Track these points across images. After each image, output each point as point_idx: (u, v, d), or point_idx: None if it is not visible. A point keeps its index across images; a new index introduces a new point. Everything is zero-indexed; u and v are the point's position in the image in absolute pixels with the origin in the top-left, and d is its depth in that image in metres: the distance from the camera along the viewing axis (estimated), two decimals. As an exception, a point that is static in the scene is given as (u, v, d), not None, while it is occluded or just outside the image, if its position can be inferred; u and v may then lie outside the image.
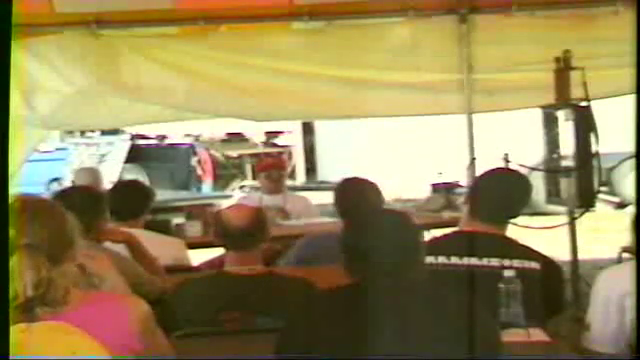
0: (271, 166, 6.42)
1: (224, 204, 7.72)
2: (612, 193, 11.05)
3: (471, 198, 3.28)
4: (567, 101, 4.59)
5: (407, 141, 11.91)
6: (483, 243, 3.05)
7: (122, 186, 5.29)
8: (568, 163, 4.65)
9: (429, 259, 2.92)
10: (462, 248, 3.04)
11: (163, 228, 5.03)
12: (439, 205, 6.03)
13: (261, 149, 14.65)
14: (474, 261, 3.01)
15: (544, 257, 3.09)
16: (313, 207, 6.23)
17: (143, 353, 2.07)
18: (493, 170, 3.51)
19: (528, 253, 3.07)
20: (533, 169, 4.98)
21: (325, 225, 5.25)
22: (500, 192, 3.22)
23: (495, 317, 2.65)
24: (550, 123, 4.84)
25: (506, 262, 2.97)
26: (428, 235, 3.60)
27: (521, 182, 3.31)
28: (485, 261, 3.00)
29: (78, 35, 5.22)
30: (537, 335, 2.71)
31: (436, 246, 3.05)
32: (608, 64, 4.90)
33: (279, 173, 6.25)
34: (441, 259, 3.02)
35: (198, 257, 4.81)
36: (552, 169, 4.85)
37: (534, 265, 3.00)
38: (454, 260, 3.02)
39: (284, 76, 5.41)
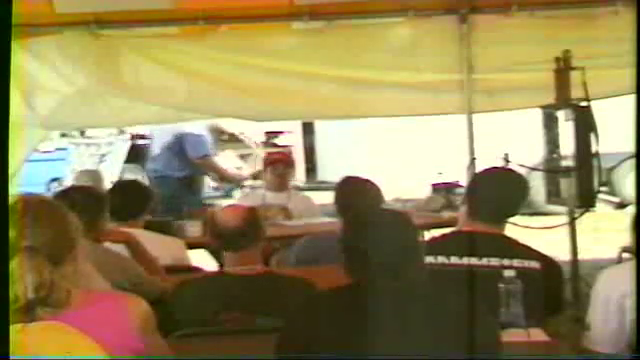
0: (278, 161, 6.34)
1: (224, 204, 7.72)
2: (612, 193, 11.05)
3: (469, 198, 3.28)
4: (567, 101, 4.60)
5: (407, 141, 11.91)
6: (483, 243, 3.05)
7: (122, 186, 5.29)
8: (568, 163, 4.65)
9: (429, 259, 2.92)
10: (462, 248, 3.04)
11: (163, 228, 5.02)
12: (439, 205, 6.02)
13: (261, 149, 14.63)
14: (474, 261, 3.01)
15: (544, 256, 3.09)
16: (316, 207, 6.20)
17: (143, 353, 2.07)
18: (490, 169, 3.51)
19: (528, 252, 3.07)
20: (533, 169, 4.98)
21: (326, 225, 5.25)
22: (499, 191, 3.21)
23: (495, 317, 2.65)
24: (550, 123, 4.84)
25: (506, 262, 2.97)
26: (428, 235, 3.60)
27: (519, 181, 3.31)
28: (485, 261, 3.00)
29: (78, 35, 5.22)
30: (537, 335, 2.71)
31: (436, 246, 3.05)
32: (608, 64, 4.90)
33: (285, 168, 6.19)
34: (441, 259, 3.02)
35: (198, 257, 4.81)
36: (552, 169, 4.85)
37: (534, 264, 3.00)
38: (454, 260, 3.02)
39: (284, 76, 5.41)
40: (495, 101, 5.47)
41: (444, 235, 3.33)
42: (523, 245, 3.14)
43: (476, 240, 3.07)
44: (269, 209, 5.81)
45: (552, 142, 4.82)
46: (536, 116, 4.98)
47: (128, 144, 13.37)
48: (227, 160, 7.11)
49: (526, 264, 2.99)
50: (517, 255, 3.02)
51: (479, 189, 3.29)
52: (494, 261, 2.99)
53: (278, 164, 6.18)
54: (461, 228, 3.23)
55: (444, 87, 5.46)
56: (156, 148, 7.00)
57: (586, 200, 4.66)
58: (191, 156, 6.76)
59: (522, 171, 3.77)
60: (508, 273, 2.80)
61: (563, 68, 4.60)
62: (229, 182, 7.01)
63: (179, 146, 6.78)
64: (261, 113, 5.77)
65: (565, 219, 4.77)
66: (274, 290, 3.13)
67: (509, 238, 3.15)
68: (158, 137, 7.01)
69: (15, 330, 1.73)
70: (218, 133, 7.50)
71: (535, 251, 3.11)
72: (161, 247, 4.07)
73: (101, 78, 5.36)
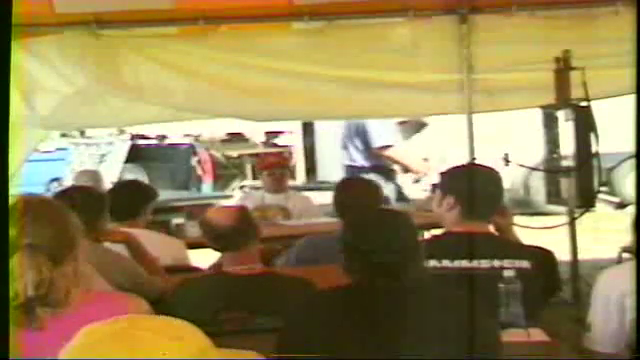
0: (274, 164, 6.35)
1: (224, 204, 7.71)
2: (612, 193, 11.06)
3: (458, 197, 3.21)
4: (567, 101, 4.60)
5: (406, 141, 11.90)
6: (480, 243, 3.04)
7: (122, 186, 5.29)
8: (568, 163, 4.66)
9: (432, 262, 2.91)
10: (457, 250, 3.02)
11: (163, 228, 5.03)
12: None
13: (261, 149, 14.65)
14: (472, 263, 2.99)
15: (538, 249, 3.10)
16: (315, 207, 6.21)
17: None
18: (469, 166, 3.50)
19: (524, 248, 3.08)
20: (533, 169, 4.98)
21: (326, 225, 5.25)
22: (485, 188, 3.19)
23: (495, 317, 2.65)
24: (550, 123, 4.84)
25: (504, 261, 2.96)
26: (428, 235, 3.58)
27: (497, 176, 3.31)
28: (483, 262, 2.99)
29: (78, 35, 5.22)
30: (537, 335, 2.72)
31: (429, 248, 3.01)
32: (608, 64, 4.90)
33: (281, 171, 6.20)
34: (440, 262, 3.00)
35: (198, 257, 4.81)
36: (552, 169, 4.85)
37: (528, 260, 2.99)
38: (449, 263, 3.00)
39: (284, 76, 5.41)
40: (495, 101, 5.47)
41: (436, 236, 3.32)
42: (517, 242, 3.15)
43: (468, 241, 3.06)
44: (268, 209, 5.82)
45: (552, 142, 4.82)
46: (536, 116, 4.99)
47: (128, 144, 13.39)
48: (412, 150, 6.88)
49: (523, 262, 2.98)
50: (514, 252, 3.01)
51: (464, 187, 3.24)
52: (493, 261, 2.98)
53: (274, 167, 6.18)
54: (450, 229, 3.19)
55: (444, 87, 5.46)
56: (346, 139, 6.90)
57: (586, 200, 4.66)
58: (373, 146, 6.69)
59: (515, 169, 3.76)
60: (507, 273, 2.79)
61: (563, 68, 4.60)
62: (415, 173, 6.79)
63: (364, 136, 6.70)
64: (261, 113, 5.77)
65: (565, 219, 4.77)
66: (274, 290, 3.13)
67: (501, 237, 3.15)
68: (347, 128, 6.91)
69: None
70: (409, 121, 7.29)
71: (529, 246, 3.12)
72: (161, 247, 4.07)
73: (101, 78, 5.36)
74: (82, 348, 1.32)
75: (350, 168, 6.65)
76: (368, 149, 6.65)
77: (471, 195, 3.18)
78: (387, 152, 6.68)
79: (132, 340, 1.30)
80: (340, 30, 5.40)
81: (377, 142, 6.62)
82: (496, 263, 2.96)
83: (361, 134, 6.65)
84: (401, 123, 7.11)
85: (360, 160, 6.68)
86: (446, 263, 2.98)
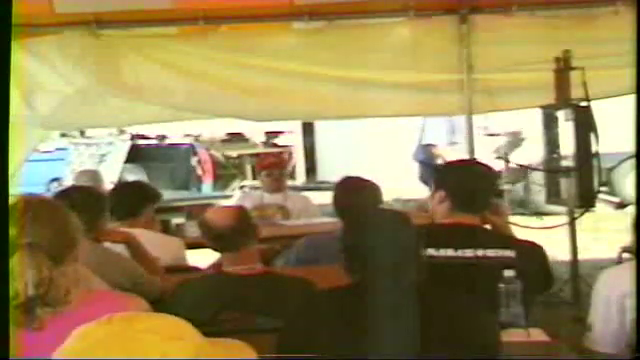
0: (272, 165, 6.35)
1: (224, 204, 7.71)
2: (612, 193, 11.04)
3: (448, 191, 3.20)
4: (567, 101, 4.61)
5: (407, 141, 11.90)
6: (466, 233, 3.04)
7: (124, 186, 5.28)
8: (568, 163, 4.66)
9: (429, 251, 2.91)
10: (446, 239, 3.02)
11: (163, 228, 5.02)
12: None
13: (261, 149, 14.64)
14: (459, 252, 2.98)
15: (527, 242, 3.10)
16: (314, 206, 6.21)
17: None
18: (462, 162, 3.48)
19: (511, 241, 3.08)
20: (533, 169, 4.98)
21: (325, 225, 5.25)
22: (476, 183, 3.18)
23: (493, 313, 2.64)
24: (550, 123, 4.85)
25: (499, 253, 2.96)
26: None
27: (490, 172, 3.31)
28: (469, 250, 2.98)
29: (78, 35, 5.23)
30: (537, 335, 2.71)
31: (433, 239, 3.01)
32: (608, 64, 4.90)
33: (280, 172, 6.21)
34: (443, 252, 2.99)
35: (199, 257, 4.81)
36: (552, 169, 4.85)
37: (516, 252, 2.99)
38: (441, 252, 2.99)
39: (284, 76, 5.41)
40: (495, 101, 5.48)
41: (424, 227, 3.30)
42: (503, 235, 3.15)
43: (454, 231, 3.05)
44: (267, 209, 5.82)
45: (552, 142, 4.83)
46: (536, 116, 4.99)
47: (128, 144, 13.38)
48: (456, 150, 7.29)
49: (507, 251, 2.97)
50: (498, 243, 3.01)
51: (459, 181, 3.23)
52: (477, 252, 2.97)
53: (272, 167, 6.18)
54: (442, 221, 3.19)
55: (444, 87, 5.47)
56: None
57: (586, 200, 4.67)
58: (420, 143, 7.19)
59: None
60: (507, 273, 2.79)
61: (563, 68, 4.61)
62: None
63: (421, 133, 7.24)
64: (261, 113, 5.78)
65: (565, 219, 4.78)
66: (274, 290, 3.13)
67: (487, 228, 3.15)
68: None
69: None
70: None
71: (515, 239, 3.11)
72: (161, 247, 4.07)
73: (101, 78, 5.37)
74: (76, 353, 1.30)
75: (427, 165, 7.17)
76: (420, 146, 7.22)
77: (460, 188, 3.17)
78: (432, 150, 7.17)
79: (128, 342, 1.30)
80: (340, 30, 5.41)
81: (424, 139, 7.18)
82: (480, 253, 2.95)
83: (420, 131, 7.18)
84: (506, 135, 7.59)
85: (420, 155, 7.29)
86: (431, 252, 2.96)
